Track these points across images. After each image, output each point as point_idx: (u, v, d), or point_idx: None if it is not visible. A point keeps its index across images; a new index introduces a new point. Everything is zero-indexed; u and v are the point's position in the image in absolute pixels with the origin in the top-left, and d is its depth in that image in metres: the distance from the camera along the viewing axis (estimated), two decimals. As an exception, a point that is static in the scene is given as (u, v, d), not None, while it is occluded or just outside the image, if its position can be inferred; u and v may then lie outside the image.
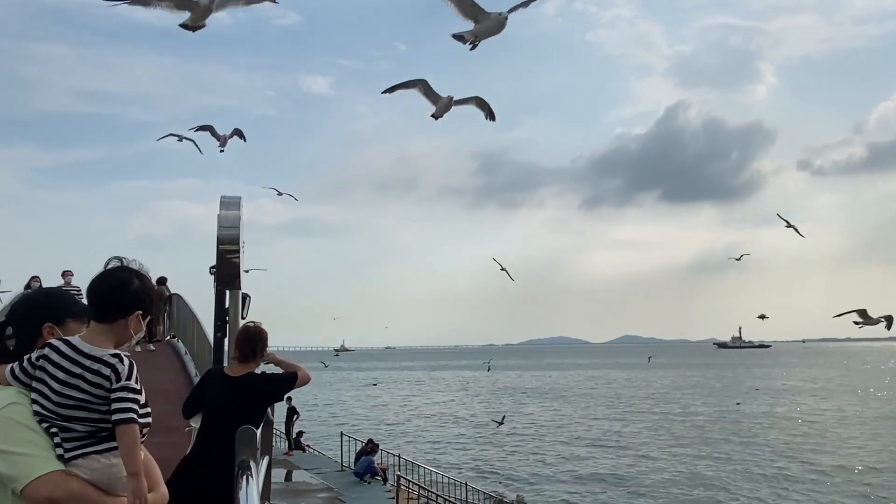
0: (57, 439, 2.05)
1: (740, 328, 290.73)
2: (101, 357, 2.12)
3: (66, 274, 15.13)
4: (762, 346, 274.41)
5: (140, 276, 2.22)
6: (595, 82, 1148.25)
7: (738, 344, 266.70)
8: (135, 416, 2.11)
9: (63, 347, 2.11)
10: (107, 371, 2.10)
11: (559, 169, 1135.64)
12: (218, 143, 14.75)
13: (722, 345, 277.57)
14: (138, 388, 2.15)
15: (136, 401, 2.12)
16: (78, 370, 2.09)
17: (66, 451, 2.05)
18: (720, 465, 31.35)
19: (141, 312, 2.21)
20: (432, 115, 9.74)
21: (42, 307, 2.36)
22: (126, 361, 2.15)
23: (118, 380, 2.10)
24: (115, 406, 2.09)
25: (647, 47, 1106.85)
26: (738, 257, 34.68)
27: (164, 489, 2.27)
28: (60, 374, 2.08)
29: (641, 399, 63.16)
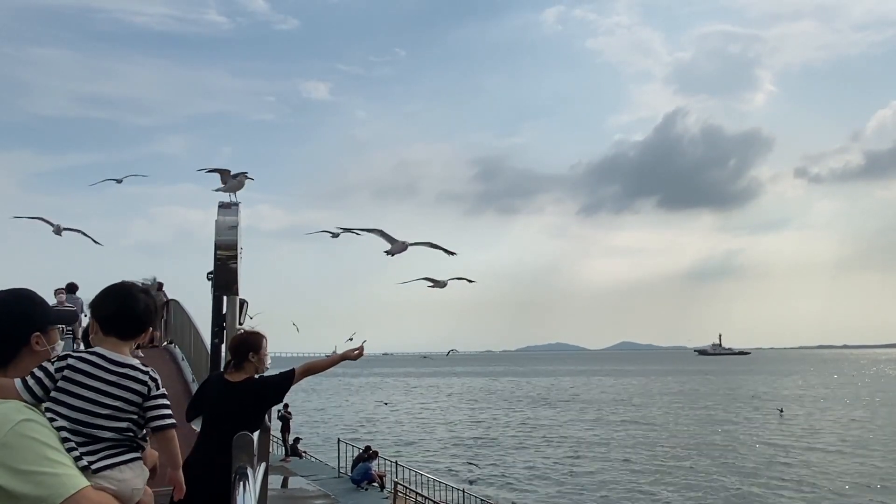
0: (76, 452, 1.99)
1: (720, 335, 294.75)
2: (137, 366, 2.22)
3: (58, 292, 13.56)
4: (742, 353, 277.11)
5: (150, 295, 2.42)
6: (594, 89, 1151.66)
7: (718, 351, 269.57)
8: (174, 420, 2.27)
9: (93, 358, 2.17)
10: (143, 377, 2.21)
11: (558, 175, 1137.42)
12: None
13: (702, 351, 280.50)
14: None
15: (170, 407, 2.27)
16: (113, 378, 2.15)
17: (92, 462, 2.01)
18: (712, 469, 31.32)
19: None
20: (386, 252, 10.86)
21: (28, 313, 2.14)
22: (155, 372, 2.28)
23: (157, 388, 2.23)
24: (157, 413, 2.21)
25: (646, 54, 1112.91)
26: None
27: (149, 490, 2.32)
28: (93, 383, 2.12)
29: (636, 406, 63.16)
